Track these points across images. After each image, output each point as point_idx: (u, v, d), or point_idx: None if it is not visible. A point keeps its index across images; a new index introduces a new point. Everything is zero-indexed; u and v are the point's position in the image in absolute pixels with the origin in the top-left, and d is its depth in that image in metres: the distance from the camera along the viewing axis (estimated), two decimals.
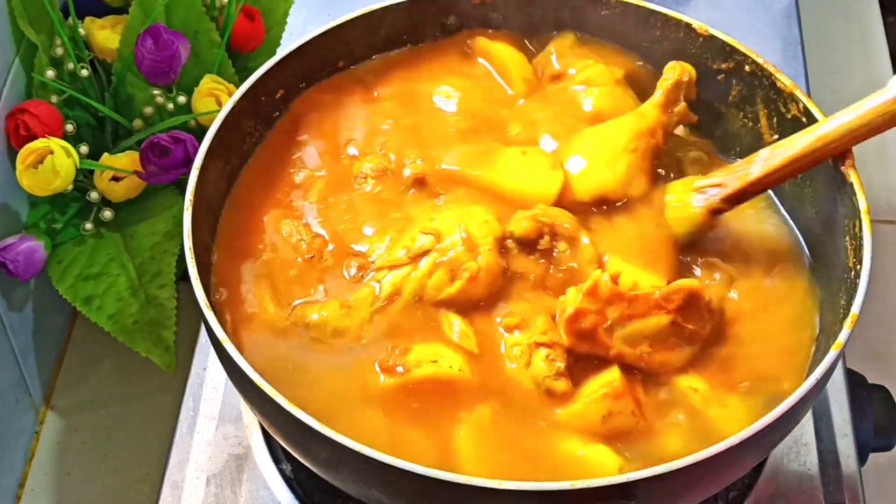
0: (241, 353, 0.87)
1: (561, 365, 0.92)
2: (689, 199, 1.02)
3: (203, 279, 0.91)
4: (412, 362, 0.91)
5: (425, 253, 0.95)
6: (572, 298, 0.93)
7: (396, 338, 0.93)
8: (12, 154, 1.28)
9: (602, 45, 1.14)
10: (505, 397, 0.92)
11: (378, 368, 0.92)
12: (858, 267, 0.92)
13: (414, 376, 0.91)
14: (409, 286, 0.94)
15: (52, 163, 1.23)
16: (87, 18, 1.37)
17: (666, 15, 1.10)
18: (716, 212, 1.02)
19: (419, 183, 1.03)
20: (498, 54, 1.13)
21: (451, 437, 0.90)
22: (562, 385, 0.92)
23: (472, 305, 0.95)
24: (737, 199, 1.02)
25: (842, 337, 0.88)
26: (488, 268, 0.95)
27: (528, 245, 0.97)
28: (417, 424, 0.90)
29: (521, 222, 0.97)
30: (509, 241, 0.97)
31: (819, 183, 1.03)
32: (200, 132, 1.19)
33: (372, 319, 0.94)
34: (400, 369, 0.91)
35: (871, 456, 1.15)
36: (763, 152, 1.01)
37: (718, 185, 1.02)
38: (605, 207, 1.02)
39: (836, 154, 0.98)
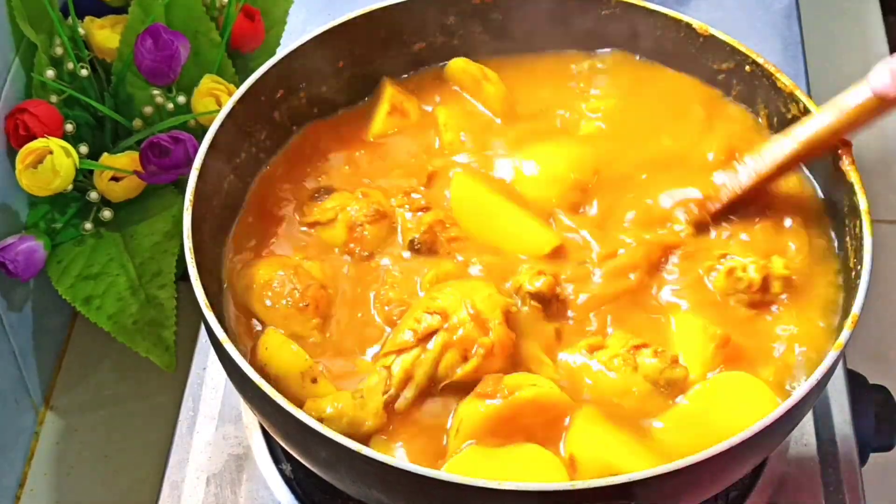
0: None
1: (672, 353, 0.93)
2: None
3: (203, 279, 0.91)
4: (513, 386, 0.90)
5: (433, 333, 0.93)
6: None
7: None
8: (12, 154, 1.28)
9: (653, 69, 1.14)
10: (605, 405, 0.92)
11: (476, 397, 0.90)
12: (859, 267, 0.92)
13: (520, 398, 0.89)
14: (421, 369, 0.92)
15: (51, 163, 1.23)
16: (87, 18, 1.37)
17: (666, 15, 1.10)
18: (701, 227, 1.01)
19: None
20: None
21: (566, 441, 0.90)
22: (681, 371, 0.93)
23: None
24: (724, 212, 1.01)
25: (842, 337, 0.88)
26: (501, 342, 0.93)
27: (544, 299, 0.97)
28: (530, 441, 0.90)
29: (535, 280, 0.97)
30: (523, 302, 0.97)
31: (819, 183, 1.03)
32: (200, 132, 1.20)
33: (387, 408, 0.91)
34: (499, 396, 0.90)
35: (872, 456, 1.15)
36: (747, 160, 1.00)
37: (703, 201, 1.01)
38: None
39: (818, 155, 0.98)
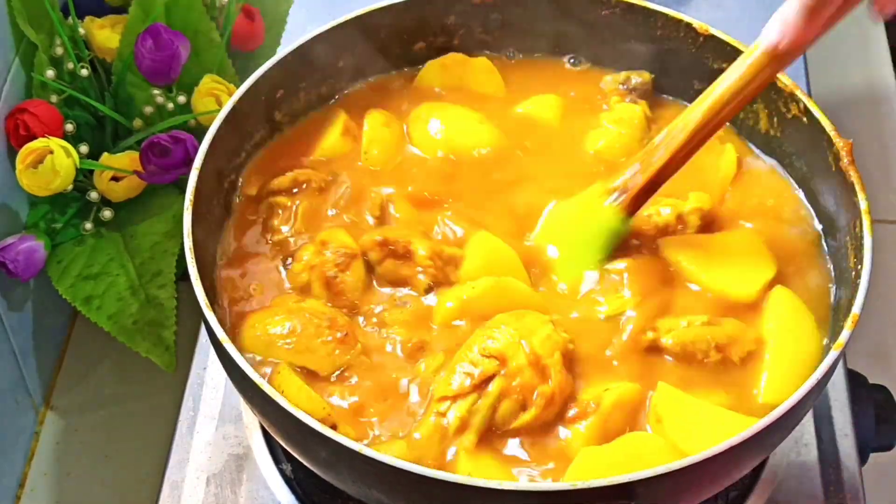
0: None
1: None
2: (601, 203, 1.01)
3: (203, 279, 0.91)
4: (593, 398, 0.91)
5: (489, 378, 0.91)
6: None
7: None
8: (12, 154, 1.28)
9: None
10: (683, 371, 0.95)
11: (569, 424, 0.91)
12: (859, 267, 0.92)
13: (607, 406, 0.91)
14: (479, 416, 0.90)
15: (51, 162, 1.23)
16: (87, 18, 1.37)
17: (666, 15, 1.10)
18: (629, 211, 1.01)
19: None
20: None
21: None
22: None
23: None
24: (646, 192, 1.00)
25: (842, 337, 0.88)
26: (561, 389, 0.91)
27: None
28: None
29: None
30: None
31: (819, 183, 1.03)
32: (200, 132, 1.19)
33: (443, 456, 0.89)
34: (593, 405, 0.91)
35: (872, 456, 1.15)
36: (658, 137, 1.00)
37: (624, 189, 1.00)
38: None
39: (729, 119, 0.98)
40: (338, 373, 0.94)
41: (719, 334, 0.95)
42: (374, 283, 1.00)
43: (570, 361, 0.94)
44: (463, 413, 0.90)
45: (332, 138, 1.10)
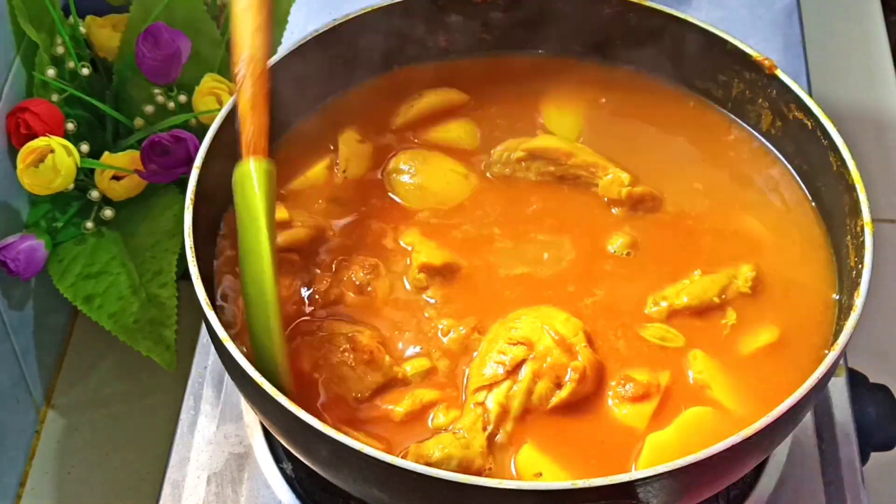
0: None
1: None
2: None
3: (203, 278, 0.91)
4: (650, 377, 0.93)
5: (520, 364, 0.92)
6: None
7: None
8: (13, 153, 1.28)
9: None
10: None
11: (632, 402, 0.92)
12: (860, 266, 0.92)
13: (666, 386, 0.92)
14: (516, 401, 0.91)
15: (52, 161, 1.23)
16: (88, 17, 1.37)
17: (667, 14, 1.10)
18: None
19: None
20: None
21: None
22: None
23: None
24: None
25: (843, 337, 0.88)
26: (592, 364, 0.93)
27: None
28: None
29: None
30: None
31: (820, 182, 1.03)
32: (201, 131, 1.20)
33: (491, 444, 0.90)
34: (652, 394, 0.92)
35: (873, 455, 1.15)
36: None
37: None
38: None
39: None
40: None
41: (722, 278, 0.98)
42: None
43: (591, 342, 0.95)
44: (501, 399, 0.91)
45: (316, 170, 1.09)
